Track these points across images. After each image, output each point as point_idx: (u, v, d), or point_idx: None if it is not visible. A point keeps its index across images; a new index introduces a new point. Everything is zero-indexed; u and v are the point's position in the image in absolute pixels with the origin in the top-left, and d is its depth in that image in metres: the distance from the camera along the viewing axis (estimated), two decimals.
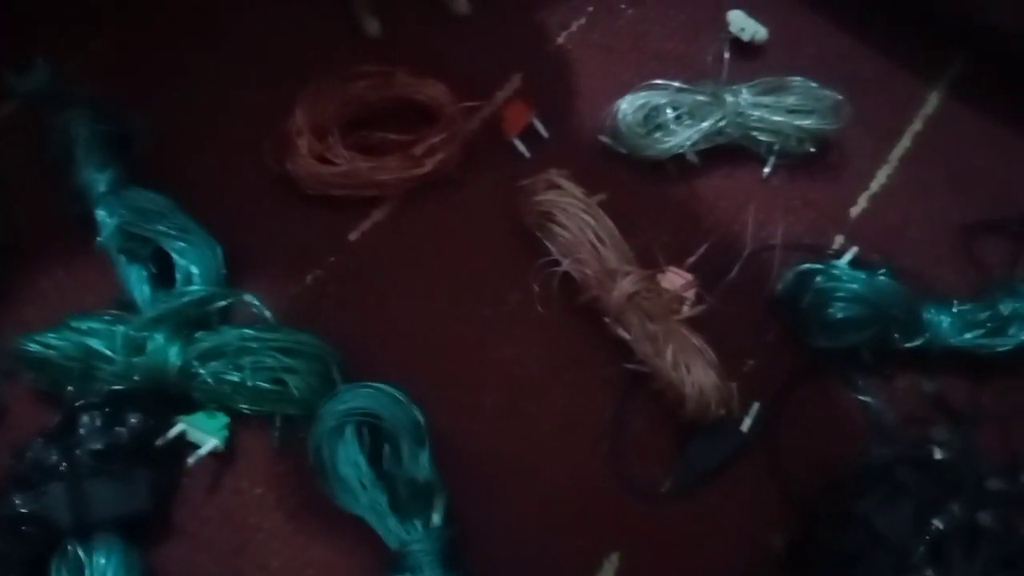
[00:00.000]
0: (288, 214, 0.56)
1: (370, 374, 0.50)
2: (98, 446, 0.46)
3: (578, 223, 0.53)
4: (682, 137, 0.57)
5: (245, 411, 0.49)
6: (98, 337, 0.49)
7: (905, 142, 0.61)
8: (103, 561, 0.45)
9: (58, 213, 0.55)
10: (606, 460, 0.51)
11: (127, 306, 0.52)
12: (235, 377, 0.49)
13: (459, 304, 0.55)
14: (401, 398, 0.49)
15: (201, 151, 0.58)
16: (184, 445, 0.49)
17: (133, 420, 0.48)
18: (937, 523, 0.45)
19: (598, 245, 0.53)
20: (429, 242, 0.57)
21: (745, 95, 0.58)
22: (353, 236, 0.57)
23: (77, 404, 0.48)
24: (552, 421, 0.52)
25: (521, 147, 0.59)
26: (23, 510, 0.45)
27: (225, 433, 0.49)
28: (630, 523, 0.50)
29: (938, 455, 0.47)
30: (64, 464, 0.46)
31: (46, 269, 0.54)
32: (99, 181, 0.54)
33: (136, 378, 0.49)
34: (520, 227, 0.55)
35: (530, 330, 0.54)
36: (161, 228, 0.53)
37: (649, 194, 0.58)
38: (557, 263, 0.53)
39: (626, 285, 0.51)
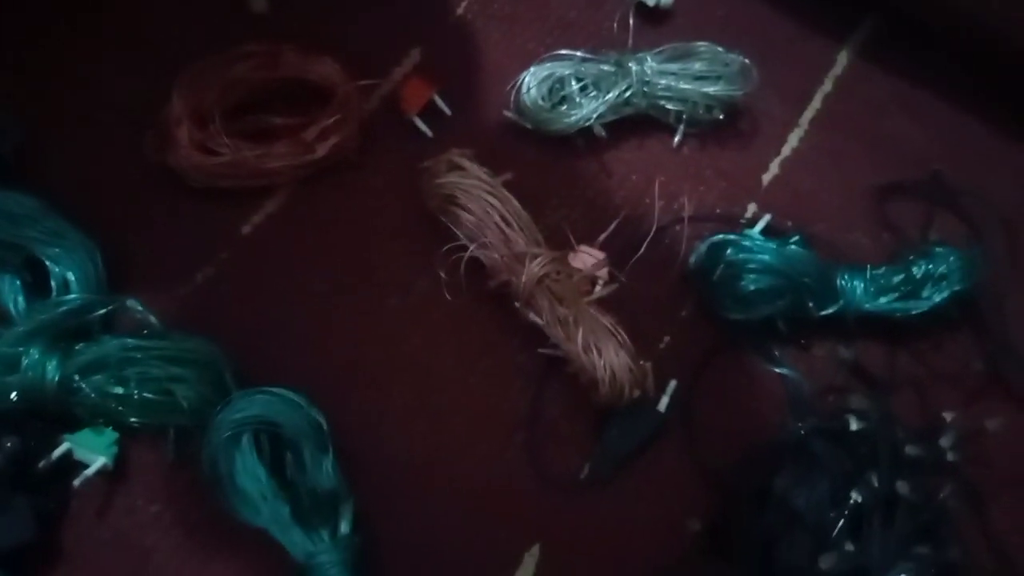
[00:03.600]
0: (173, 210, 0.53)
1: (269, 378, 0.47)
2: None
3: (483, 205, 0.51)
4: (588, 110, 0.55)
5: (134, 425, 0.46)
6: None
7: (815, 105, 0.60)
8: None
9: None
10: (523, 451, 0.49)
11: None
12: (119, 390, 0.45)
13: (362, 296, 0.52)
14: (300, 402, 0.46)
15: (74, 147, 0.54)
16: (72, 467, 0.46)
17: (9, 444, 0.44)
18: (855, 496, 0.45)
19: (505, 228, 0.51)
20: (327, 232, 0.53)
21: (650, 63, 0.56)
22: (246, 229, 0.53)
23: None
24: (465, 414, 0.50)
25: (422, 126, 0.56)
26: None
27: (114, 450, 0.46)
28: (549, 514, 0.48)
29: (853, 426, 0.47)
30: None
31: None
32: None
33: (12, 398, 0.45)
34: (424, 212, 0.53)
35: (439, 320, 0.52)
36: (32, 233, 0.49)
37: (557, 171, 0.56)
38: (464, 248, 0.51)
39: (535, 268, 0.49)
